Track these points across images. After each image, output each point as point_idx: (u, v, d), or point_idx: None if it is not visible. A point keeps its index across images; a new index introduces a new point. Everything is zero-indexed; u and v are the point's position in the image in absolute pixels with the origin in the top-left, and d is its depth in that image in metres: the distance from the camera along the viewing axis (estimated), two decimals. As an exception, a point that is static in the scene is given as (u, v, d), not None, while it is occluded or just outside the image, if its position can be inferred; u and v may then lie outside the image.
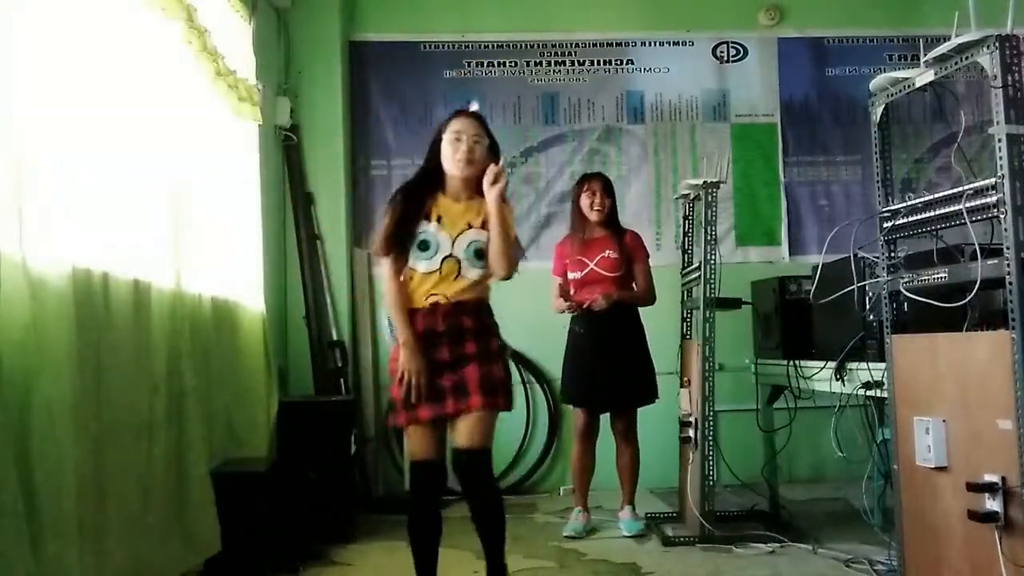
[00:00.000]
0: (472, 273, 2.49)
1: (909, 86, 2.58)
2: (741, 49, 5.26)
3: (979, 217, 2.28)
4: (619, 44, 5.22)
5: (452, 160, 2.49)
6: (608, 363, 3.74)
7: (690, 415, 3.77)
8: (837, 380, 3.10)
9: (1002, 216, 2.17)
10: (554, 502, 4.58)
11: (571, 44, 5.20)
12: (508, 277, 2.50)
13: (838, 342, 3.09)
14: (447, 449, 2.51)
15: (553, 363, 4.41)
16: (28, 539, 1.95)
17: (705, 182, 3.73)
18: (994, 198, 2.20)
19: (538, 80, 5.19)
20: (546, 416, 4.93)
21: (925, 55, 2.43)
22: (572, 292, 3.86)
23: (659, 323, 4.01)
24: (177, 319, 2.95)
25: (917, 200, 2.54)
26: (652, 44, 5.25)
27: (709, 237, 3.69)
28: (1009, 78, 2.16)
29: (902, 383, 2.60)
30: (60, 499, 2.09)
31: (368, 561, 3.44)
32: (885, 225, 2.68)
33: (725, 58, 5.26)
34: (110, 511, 2.40)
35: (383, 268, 2.54)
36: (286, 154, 4.79)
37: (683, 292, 4.19)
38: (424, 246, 2.47)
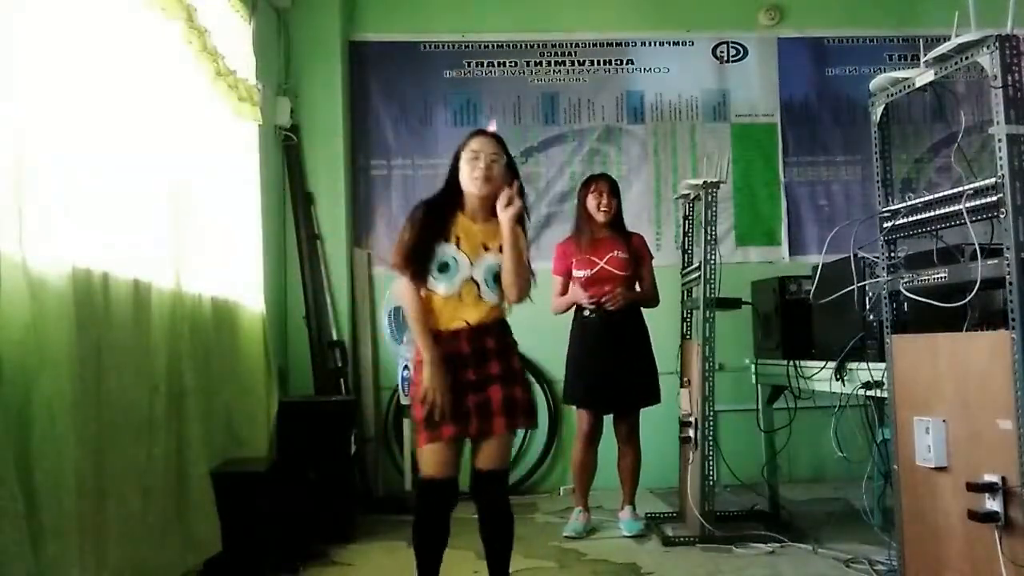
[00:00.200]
0: (491, 296, 2.51)
1: (909, 86, 2.58)
2: (741, 49, 5.26)
3: (979, 217, 2.29)
4: (619, 44, 5.23)
5: (470, 178, 2.50)
6: (614, 363, 3.74)
7: (690, 415, 3.77)
8: (837, 380, 3.10)
9: (1002, 216, 2.17)
10: (554, 502, 4.58)
11: (571, 44, 5.20)
12: (519, 302, 2.53)
13: (838, 342, 3.09)
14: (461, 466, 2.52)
15: (553, 363, 4.41)
16: (28, 539, 1.95)
17: (705, 182, 3.73)
18: (994, 198, 2.20)
19: (538, 80, 5.19)
20: (546, 416, 4.92)
21: (925, 55, 2.43)
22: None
23: (659, 323, 4.01)
24: (177, 319, 2.95)
25: (917, 200, 2.54)
26: (652, 44, 5.25)
27: (709, 237, 3.69)
28: (1009, 78, 2.16)
29: (902, 383, 2.60)
30: (60, 499, 2.09)
31: (368, 561, 3.44)
32: (885, 225, 2.68)
33: (725, 58, 5.26)
34: (110, 511, 2.39)
35: (401, 284, 2.53)
36: (286, 154, 4.80)
37: (683, 292, 4.19)
38: (444, 268, 2.47)
